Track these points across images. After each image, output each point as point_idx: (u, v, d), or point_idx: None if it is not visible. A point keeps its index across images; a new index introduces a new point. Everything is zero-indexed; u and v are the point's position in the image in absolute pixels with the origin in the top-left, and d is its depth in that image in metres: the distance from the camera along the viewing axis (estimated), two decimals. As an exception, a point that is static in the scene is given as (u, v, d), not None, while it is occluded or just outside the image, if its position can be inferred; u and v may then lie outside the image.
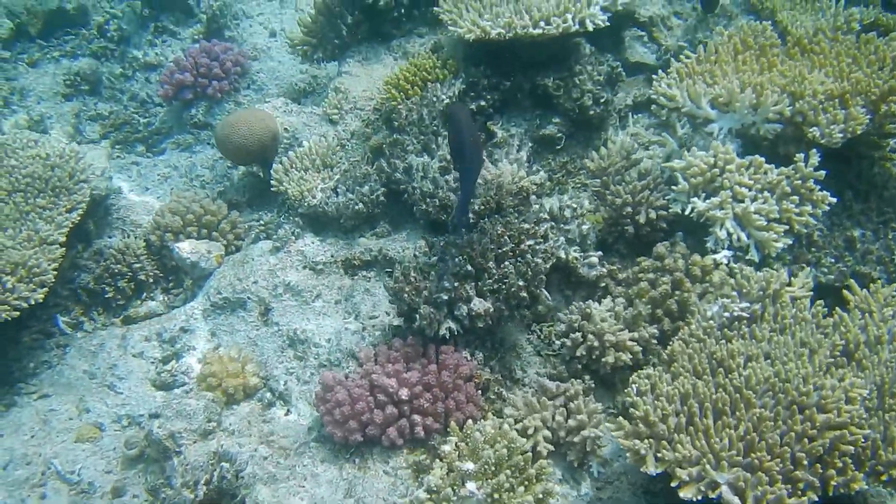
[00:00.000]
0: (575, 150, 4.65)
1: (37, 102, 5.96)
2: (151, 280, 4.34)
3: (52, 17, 7.07)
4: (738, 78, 4.10)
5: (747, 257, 3.76)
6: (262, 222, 4.54)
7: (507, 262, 3.40)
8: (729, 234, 3.77)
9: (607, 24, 4.41)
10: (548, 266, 3.47)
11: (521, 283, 3.30)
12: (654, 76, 4.12)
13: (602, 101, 4.51)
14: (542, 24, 4.32)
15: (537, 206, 3.86)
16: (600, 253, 3.92)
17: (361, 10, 4.90)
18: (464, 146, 3.18)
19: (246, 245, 4.38)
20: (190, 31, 6.30)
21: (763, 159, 3.88)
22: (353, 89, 4.79)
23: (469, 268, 3.37)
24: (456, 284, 3.28)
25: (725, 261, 3.77)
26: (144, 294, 4.34)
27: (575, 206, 3.88)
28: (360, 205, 4.09)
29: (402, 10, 4.83)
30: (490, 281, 3.37)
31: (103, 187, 4.65)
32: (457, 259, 3.37)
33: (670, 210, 3.89)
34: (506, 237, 3.42)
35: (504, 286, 3.33)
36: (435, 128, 4.25)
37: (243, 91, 5.61)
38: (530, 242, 3.39)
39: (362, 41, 4.99)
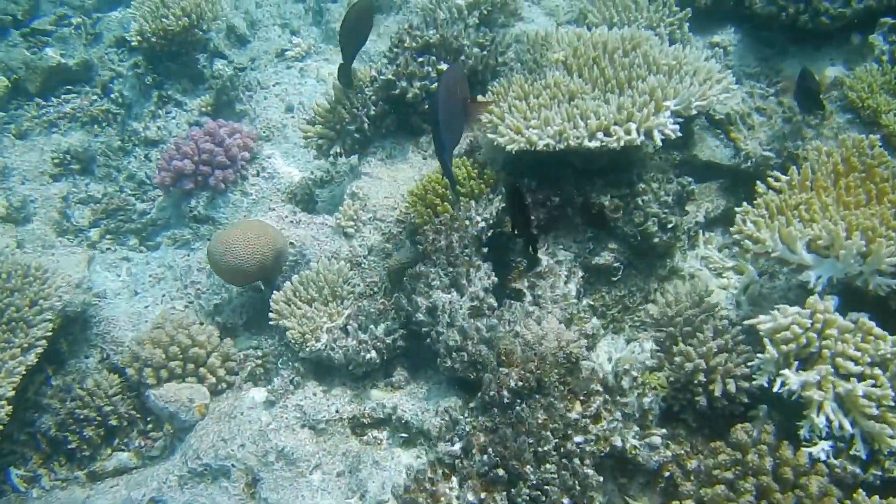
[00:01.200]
0: (634, 281, 4.08)
1: (21, 183, 5.54)
2: (126, 423, 3.83)
3: (53, 73, 6.70)
4: (840, 213, 3.47)
5: (852, 452, 3.12)
6: (259, 353, 4.02)
7: (549, 465, 2.80)
8: (829, 421, 3.13)
9: (679, 134, 3.81)
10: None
11: (565, 501, 2.70)
12: (737, 213, 3.51)
13: (670, 226, 3.92)
14: (599, 135, 3.77)
15: (588, 370, 3.26)
16: (664, 431, 3.31)
17: (387, 101, 4.37)
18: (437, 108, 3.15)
19: (237, 387, 3.85)
20: (197, 101, 5.86)
21: (872, 323, 3.25)
22: (374, 195, 4.27)
23: (500, 472, 2.79)
24: (482, 496, 2.69)
25: (824, 455, 3.13)
26: (116, 440, 3.83)
27: (635, 372, 3.28)
28: (373, 353, 3.54)
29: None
30: (526, 491, 2.78)
31: (80, 302, 4.19)
32: (485, 456, 2.79)
33: (754, 382, 3.27)
34: (548, 431, 2.83)
35: (544, 499, 2.74)
36: (467, 257, 3.69)
37: (251, 179, 5.12)
38: (579, 440, 2.80)
39: (387, 135, 4.46)
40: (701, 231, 4.36)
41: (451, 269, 3.74)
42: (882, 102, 4.43)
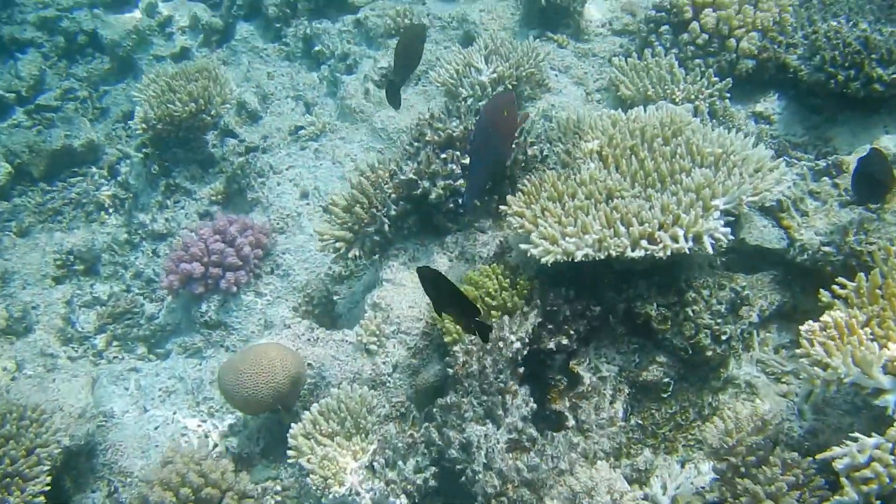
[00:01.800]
0: (686, 395, 3.82)
1: (22, 288, 5.36)
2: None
3: (58, 155, 6.55)
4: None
5: None
6: (279, 488, 3.76)
7: None
8: (921, 578, 2.83)
9: (731, 238, 3.56)
10: None
11: None
12: (802, 333, 3.23)
13: (724, 337, 3.64)
14: (643, 243, 3.51)
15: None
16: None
17: (408, 200, 4.14)
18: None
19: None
20: (207, 189, 5.69)
21: (967, 460, 2.96)
22: (396, 305, 4.04)
23: None
24: None
25: None
26: None
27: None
28: (403, 497, 3.28)
29: (460, 201, 4.05)
30: None
31: (83, 434, 3.97)
32: None
33: (832, 528, 2.98)
34: None
35: None
36: (502, 383, 3.44)
37: (265, 278, 4.92)
38: None
39: (409, 236, 4.23)
40: (755, 331, 4.07)
41: (485, 398, 3.49)
42: (949, 184, 4.12)
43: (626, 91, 5.11)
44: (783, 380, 4.03)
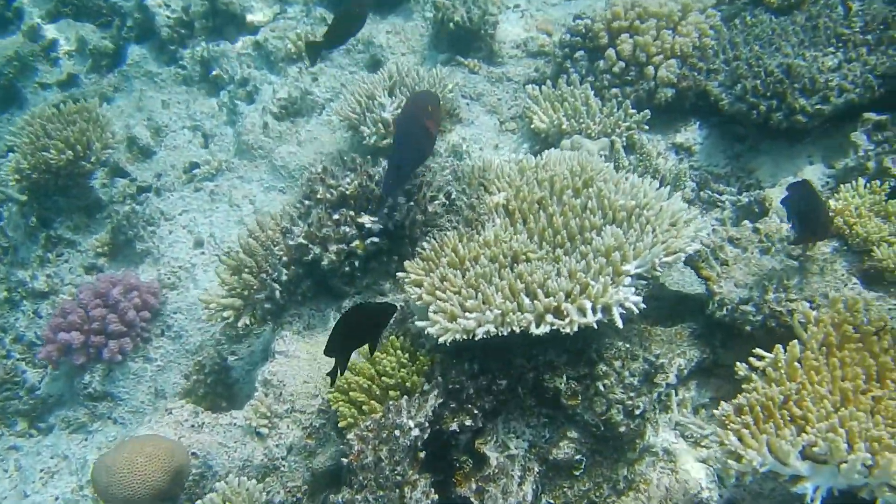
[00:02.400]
0: (600, 469, 3.67)
1: None
2: None
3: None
4: (838, 407, 3.09)
5: None
6: None
7: None
8: None
9: (643, 307, 3.41)
10: None
11: None
12: (717, 415, 3.10)
13: (638, 412, 3.49)
14: (549, 317, 3.33)
15: None
16: None
17: (300, 264, 3.91)
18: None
19: None
20: (93, 240, 5.37)
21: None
22: (290, 380, 3.82)
23: None
24: None
25: None
26: None
27: None
28: None
29: (357, 264, 3.84)
30: None
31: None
32: None
33: None
34: None
35: None
36: (399, 476, 3.25)
37: (155, 342, 4.64)
38: None
39: (304, 301, 4.00)
40: (673, 392, 3.94)
41: (381, 494, 3.29)
42: (872, 229, 4.03)
43: (540, 124, 4.93)
44: (703, 443, 3.91)
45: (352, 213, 3.96)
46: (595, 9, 5.43)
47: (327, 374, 3.15)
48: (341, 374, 3.19)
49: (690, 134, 5.02)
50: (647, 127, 4.88)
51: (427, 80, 5.12)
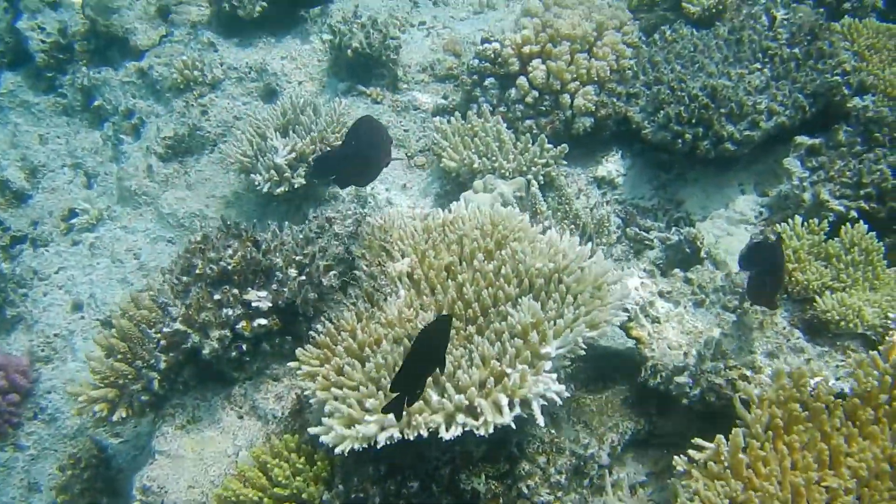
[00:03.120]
0: (531, 574, 3.18)
1: None
2: None
3: None
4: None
5: None
6: None
7: None
8: None
9: (566, 395, 2.97)
10: None
11: None
12: None
13: (568, 512, 3.06)
14: (460, 417, 2.86)
15: None
16: None
17: (180, 349, 3.36)
18: None
19: None
20: (-42, 311, 4.70)
21: None
22: (172, 486, 3.34)
23: None
24: None
25: None
26: None
27: None
28: None
29: (245, 347, 3.31)
30: None
31: None
32: None
33: None
34: None
35: None
36: None
37: (26, 426, 4.04)
38: None
39: (187, 390, 3.45)
40: (607, 472, 3.50)
41: None
42: (813, 276, 3.64)
43: (450, 163, 4.43)
44: (643, 531, 3.51)
45: (236, 290, 3.41)
46: (504, 27, 4.93)
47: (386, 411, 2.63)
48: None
49: (613, 165, 4.57)
50: (565, 162, 4.41)
51: (324, 117, 4.56)
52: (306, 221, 4.31)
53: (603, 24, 4.63)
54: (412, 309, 3.37)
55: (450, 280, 3.45)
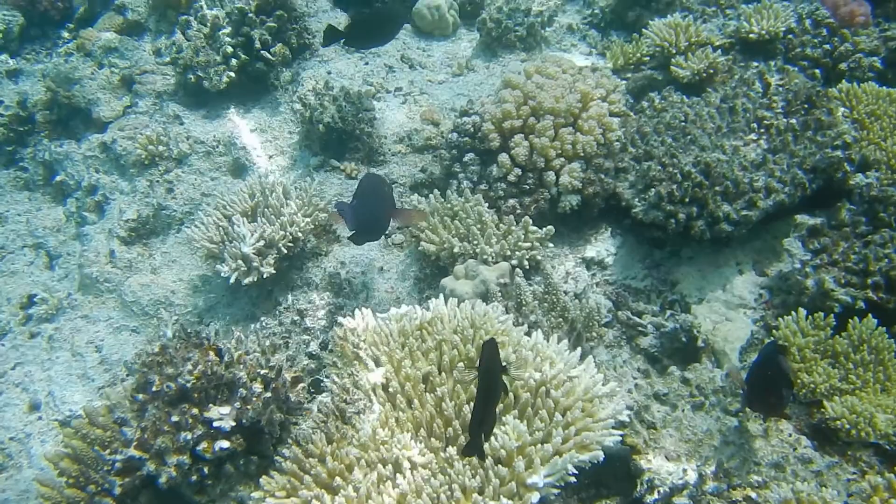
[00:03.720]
0: None
1: None
2: None
3: None
4: None
5: None
6: None
7: None
8: None
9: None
10: None
11: None
12: None
13: None
14: (439, 562, 2.61)
15: None
16: None
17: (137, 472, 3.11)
18: None
19: None
20: None
21: None
22: None
23: None
24: None
25: None
26: None
27: None
28: None
29: (206, 471, 3.05)
30: None
31: None
32: None
33: None
34: None
35: None
36: None
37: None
38: None
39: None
40: None
41: None
42: (820, 377, 3.41)
43: (429, 246, 4.20)
44: None
45: (195, 410, 3.16)
46: (482, 96, 4.72)
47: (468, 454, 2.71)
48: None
49: (602, 245, 4.35)
50: (551, 245, 4.18)
51: (296, 199, 4.33)
52: (276, 313, 4.08)
53: (588, 94, 4.43)
54: (387, 428, 3.12)
55: (428, 393, 3.20)
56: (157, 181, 5.03)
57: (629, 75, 5.41)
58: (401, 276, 4.39)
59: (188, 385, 3.21)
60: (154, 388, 3.25)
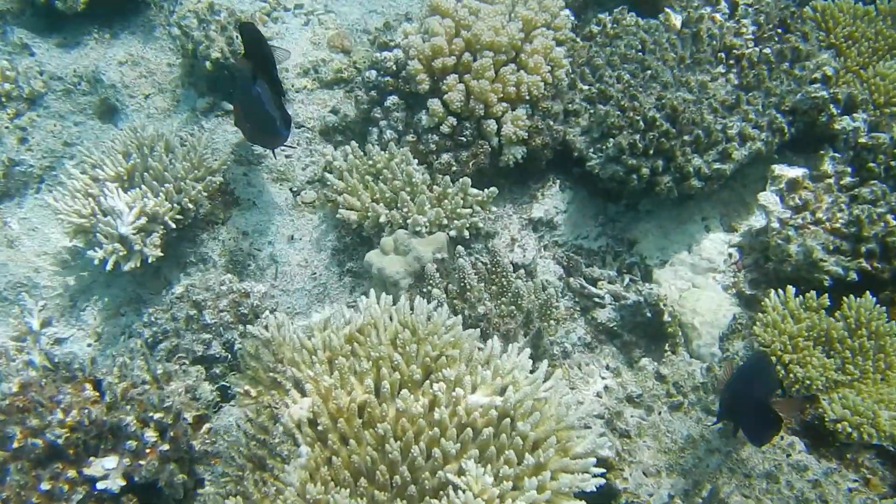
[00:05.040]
0: None
1: None
2: None
3: None
4: None
5: None
6: None
7: None
8: None
9: None
10: None
11: None
12: None
13: None
14: None
15: None
16: None
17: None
18: None
19: None
20: None
21: None
22: None
23: None
24: None
25: None
26: None
27: None
28: None
29: None
30: None
31: None
32: None
33: None
34: None
35: None
36: None
37: None
38: None
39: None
40: None
41: None
42: (815, 370, 3.01)
43: (349, 214, 3.57)
44: None
45: (72, 470, 2.53)
46: (402, 18, 4.02)
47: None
48: None
49: (550, 201, 3.81)
50: (494, 208, 3.60)
51: (182, 160, 3.59)
52: (167, 300, 3.42)
53: (531, 21, 3.77)
54: (318, 481, 2.56)
55: (366, 430, 2.65)
56: (7, 128, 4.16)
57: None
58: (315, 245, 3.76)
59: (61, 439, 2.56)
60: (15, 445, 2.59)
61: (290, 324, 2.94)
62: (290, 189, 3.93)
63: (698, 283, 3.70)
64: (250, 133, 3.51)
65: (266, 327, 2.90)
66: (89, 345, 3.75)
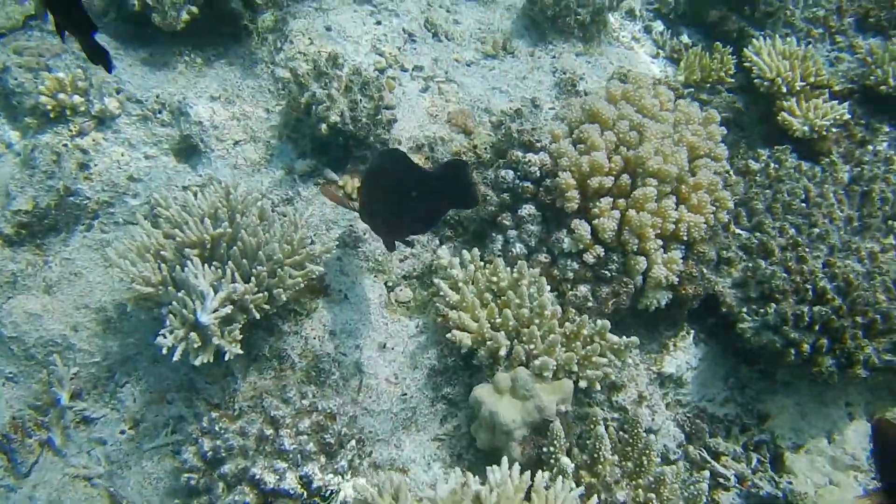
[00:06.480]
0: None
1: None
2: None
3: None
4: None
5: None
6: None
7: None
8: None
9: None
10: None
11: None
12: None
13: None
14: None
15: None
16: None
17: None
18: None
19: None
20: None
21: None
22: None
23: None
24: None
25: None
26: None
27: None
28: None
29: None
30: None
31: None
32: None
33: None
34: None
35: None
36: None
37: None
38: None
39: None
40: None
41: None
42: None
43: (463, 337, 3.01)
44: None
45: None
46: (529, 95, 3.52)
47: None
48: None
49: (683, 355, 3.30)
50: (630, 361, 3.07)
51: (282, 237, 3.02)
52: (232, 404, 2.83)
53: (697, 149, 3.26)
54: None
55: None
56: (67, 146, 3.55)
57: (703, 96, 4.26)
58: (410, 359, 3.20)
59: None
60: None
61: (408, 491, 2.37)
62: (385, 284, 3.37)
63: (837, 480, 3.20)
64: (375, 223, 2.90)
65: (380, 492, 2.33)
66: (122, 432, 3.15)
